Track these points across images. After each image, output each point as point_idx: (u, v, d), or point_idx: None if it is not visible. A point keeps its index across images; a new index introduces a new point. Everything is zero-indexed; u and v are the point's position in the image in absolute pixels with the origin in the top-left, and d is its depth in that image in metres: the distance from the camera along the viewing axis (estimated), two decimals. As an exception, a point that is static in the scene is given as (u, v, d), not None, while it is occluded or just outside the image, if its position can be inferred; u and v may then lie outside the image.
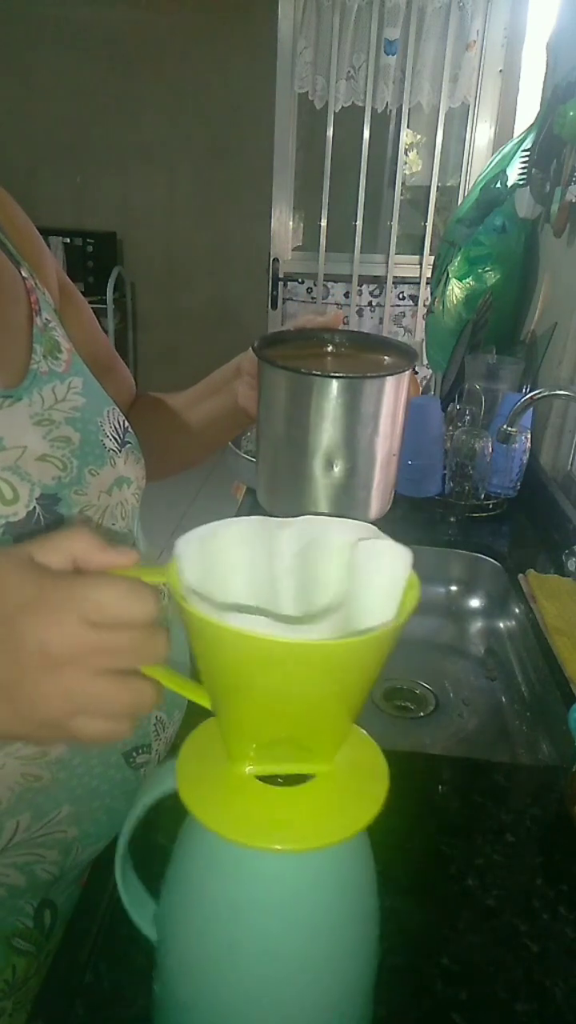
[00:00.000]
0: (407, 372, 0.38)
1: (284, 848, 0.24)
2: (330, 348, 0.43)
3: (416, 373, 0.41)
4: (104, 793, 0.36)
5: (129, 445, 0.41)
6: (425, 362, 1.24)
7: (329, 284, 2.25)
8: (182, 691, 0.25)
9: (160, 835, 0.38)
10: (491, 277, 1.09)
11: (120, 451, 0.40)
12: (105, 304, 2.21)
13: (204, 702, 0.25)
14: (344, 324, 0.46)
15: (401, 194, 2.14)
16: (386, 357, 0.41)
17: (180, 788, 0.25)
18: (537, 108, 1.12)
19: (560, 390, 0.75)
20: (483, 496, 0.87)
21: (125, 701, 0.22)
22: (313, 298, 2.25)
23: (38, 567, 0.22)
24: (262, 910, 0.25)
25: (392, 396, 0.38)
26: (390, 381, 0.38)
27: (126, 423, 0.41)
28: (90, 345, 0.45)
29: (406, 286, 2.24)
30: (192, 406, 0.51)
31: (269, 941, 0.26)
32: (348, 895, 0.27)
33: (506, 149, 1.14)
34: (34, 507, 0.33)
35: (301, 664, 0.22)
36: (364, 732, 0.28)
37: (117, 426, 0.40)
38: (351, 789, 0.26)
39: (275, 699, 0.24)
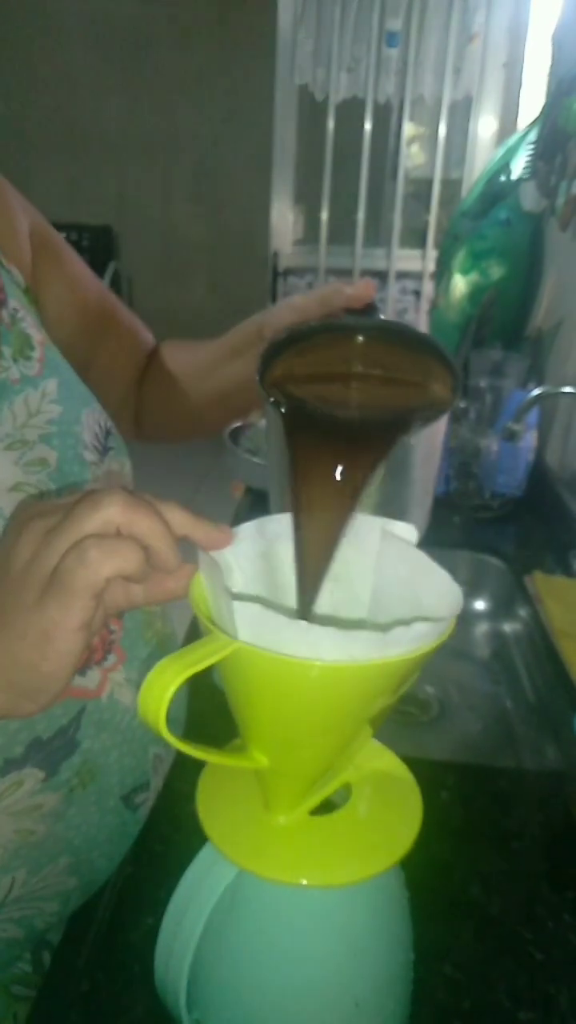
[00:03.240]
0: (448, 411, 0.28)
1: (324, 883, 0.24)
2: (356, 364, 0.30)
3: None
4: (103, 840, 0.35)
5: (112, 450, 0.36)
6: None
7: (330, 278, 2.24)
8: (240, 763, 0.24)
9: (156, 843, 0.38)
10: (496, 272, 1.08)
11: (102, 461, 0.35)
12: (102, 299, 2.19)
13: (246, 764, 0.24)
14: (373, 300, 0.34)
15: (403, 187, 2.12)
16: (423, 373, 0.29)
17: (208, 832, 0.25)
18: (541, 101, 1.11)
19: (567, 387, 0.73)
20: (488, 496, 0.86)
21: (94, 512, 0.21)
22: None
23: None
24: (298, 944, 0.25)
25: (428, 439, 0.31)
26: (425, 429, 0.28)
27: (108, 423, 0.37)
28: (79, 305, 0.40)
29: (409, 280, 2.22)
30: (212, 370, 0.43)
31: (304, 975, 0.25)
32: (384, 926, 0.26)
33: (511, 142, 1.13)
34: None
35: (375, 682, 0.21)
36: (394, 754, 0.28)
37: (98, 430, 0.36)
38: (383, 815, 0.25)
39: (334, 730, 0.23)
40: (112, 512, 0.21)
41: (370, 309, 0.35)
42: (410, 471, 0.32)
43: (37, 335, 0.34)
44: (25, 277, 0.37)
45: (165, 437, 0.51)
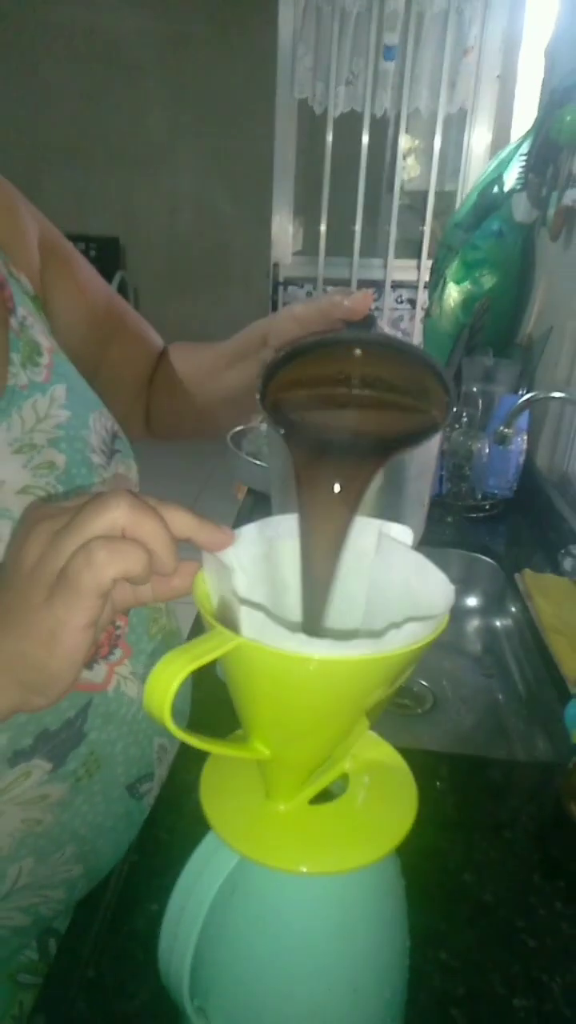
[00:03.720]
0: (439, 431, 0.28)
1: (323, 871, 0.24)
2: (354, 380, 0.31)
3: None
4: (108, 828, 0.35)
5: (119, 453, 0.37)
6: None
7: (328, 288, 2.26)
8: (242, 754, 0.24)
9: (161, 832, 0.39)
10: (488, 281, 1.10)
11: (109, 464, 0.36)
12: (107, 308, 2.21)
13: (248, 754, 0.24)
14: (371, 307, 0.36)
15: (399, 199, 2.15)
16: (418, 390, 0.30)
17: (211, 821, 0.25)
18: (534, 113, 1.14)
19: (556, 392, 0.75)
20: (480, 497, 0.88)
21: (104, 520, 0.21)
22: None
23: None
24: (297, 930, 0.26)
25: (421, 455, 0.31)
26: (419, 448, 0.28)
27: (115, 427, 0.37)
28: (88, 309, 0.41)
29: (404, 290, 2.26)
30: (218, 374, 0.44)
31: (304, 960, 0.26)
32: (381, 913, 0.27)
33: (503, 154, 1.15)
34: None
35: (371, 676, 0.22)
36: (389, 745, 0.29)
37: (105, 434, 0.36)
38: (380, 805, 0.26)
39: (333, 722, 0.23)
40: (118, 514, 0.22)
41: (368, 320, 0.36)
42: (404, 485, 0.32)
43: (45, 342, 0.35)
44: (34, 285, 0.37)
45: (175, 435, 0.51)
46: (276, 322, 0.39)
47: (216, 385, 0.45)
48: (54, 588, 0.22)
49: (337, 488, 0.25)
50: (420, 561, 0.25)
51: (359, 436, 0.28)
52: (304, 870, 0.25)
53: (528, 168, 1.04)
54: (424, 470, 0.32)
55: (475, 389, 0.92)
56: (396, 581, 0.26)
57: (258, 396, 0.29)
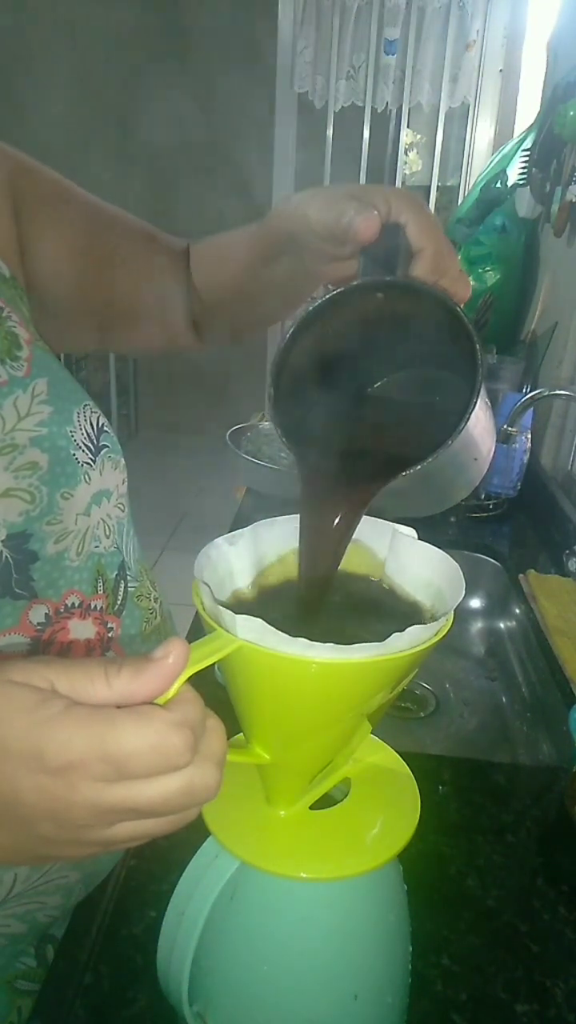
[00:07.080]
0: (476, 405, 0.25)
1: (324, 877, 0.24)
2: (381, 321, 0.29)
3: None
4: None
5: (106, 449, 0.35)
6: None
7: (329, 284, 2.25)
8: (242, 758, 0.24)
9: (159, 836, 0.39)
10: (491, 277, 1.10)
11: (95, 461, 0.34)
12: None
13: (248, 759, 0.24)
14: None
15: (401, 194, 2.14)
16: (443, 338, 0.27)
17: (210, 826, 0.25)
18: (537, 108, 1.13)
19: (560, 390, 0.75)
20: (483, 496, 0.87)
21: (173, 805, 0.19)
22: (312, 297, 2.25)
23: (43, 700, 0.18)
24: (298, 937, 0.26)
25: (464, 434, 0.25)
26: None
27: (102, 421, 0.35)
28: (81, 233, 0.38)
29: (406, 286, 2.24)
30: (256, 268, 0.39)
31: (304, 967, 0.26)
32: (383, 919, 0.27)
33: (506, 149, 1.14)
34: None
35: (373, 678, 0.22)
36: (392, 750, 0.28)
37: (91, 430, 0.34)
38: (382, 810, 0.26)
39: (334, 726, 0.23)
40: (175, 802, 0.19)
41: (392, 233, 0.31)
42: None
43: (25, 333, 0.33)
44: (7, 257, 0.34)
45: (227, 337, 0.47)
46: (295, 227, 0.34)
47: (257, 282, 0.40)
48: (83, 843, 0.20)
49: (335, 519, 0.25)
50: (439, 555, 0.26)
51: (368, 459, 0.27)
52: (304, 876, 0.25)
53: (531, 163, 1.03)
54: (477, 418, 0.27)
55: (478, 386, 0.91)
56: (414, 569, 0.26)
57: (269, 394, 0.28)
